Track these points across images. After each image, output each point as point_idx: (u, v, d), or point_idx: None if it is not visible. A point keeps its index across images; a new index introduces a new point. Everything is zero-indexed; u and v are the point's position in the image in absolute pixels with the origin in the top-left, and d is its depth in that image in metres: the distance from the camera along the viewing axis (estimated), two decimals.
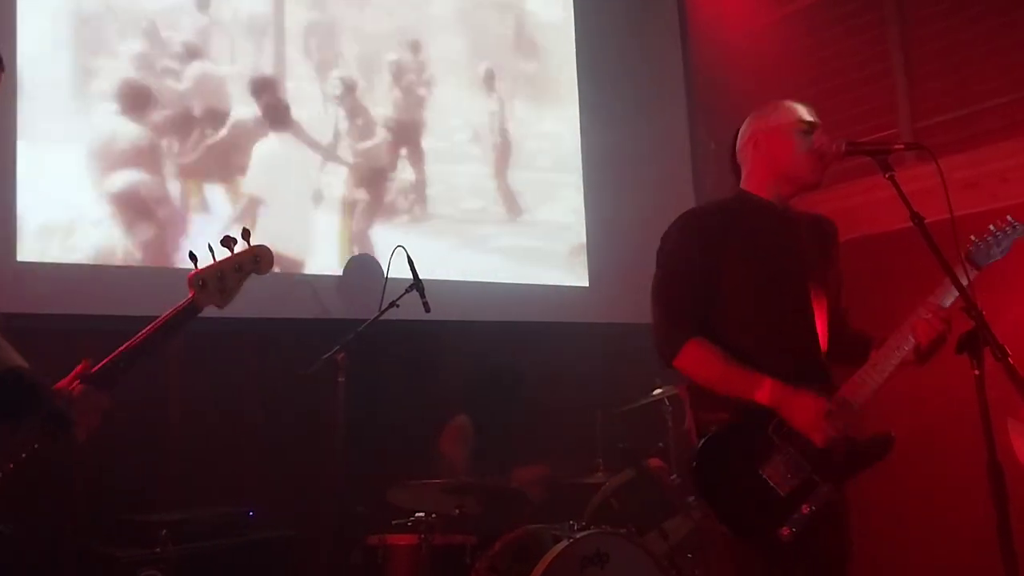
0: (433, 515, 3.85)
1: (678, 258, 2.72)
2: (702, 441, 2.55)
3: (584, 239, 5.69)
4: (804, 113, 2.77)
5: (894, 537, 4.73)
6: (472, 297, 5.09)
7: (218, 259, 2.14)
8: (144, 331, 2.08)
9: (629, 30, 6.09)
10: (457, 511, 3.84)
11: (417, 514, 3.86)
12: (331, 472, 3.84)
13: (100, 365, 2.04)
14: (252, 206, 4.57)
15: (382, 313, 4.00)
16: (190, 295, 2.11)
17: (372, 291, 4.17)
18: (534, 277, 5.46)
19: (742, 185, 2.83)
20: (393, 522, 3.92)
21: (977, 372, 2.27)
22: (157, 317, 2.13)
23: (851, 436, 2.53)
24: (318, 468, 4.12)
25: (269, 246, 2.27)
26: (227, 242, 2.14)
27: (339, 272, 4.77)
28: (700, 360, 2.60)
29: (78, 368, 2.06)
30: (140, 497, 3.98)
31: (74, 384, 2.03)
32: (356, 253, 4.83)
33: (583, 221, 5.71)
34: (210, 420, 4.30)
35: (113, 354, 2.05)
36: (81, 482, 3.84)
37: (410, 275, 4.10)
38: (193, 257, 2.13)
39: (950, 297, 2.52)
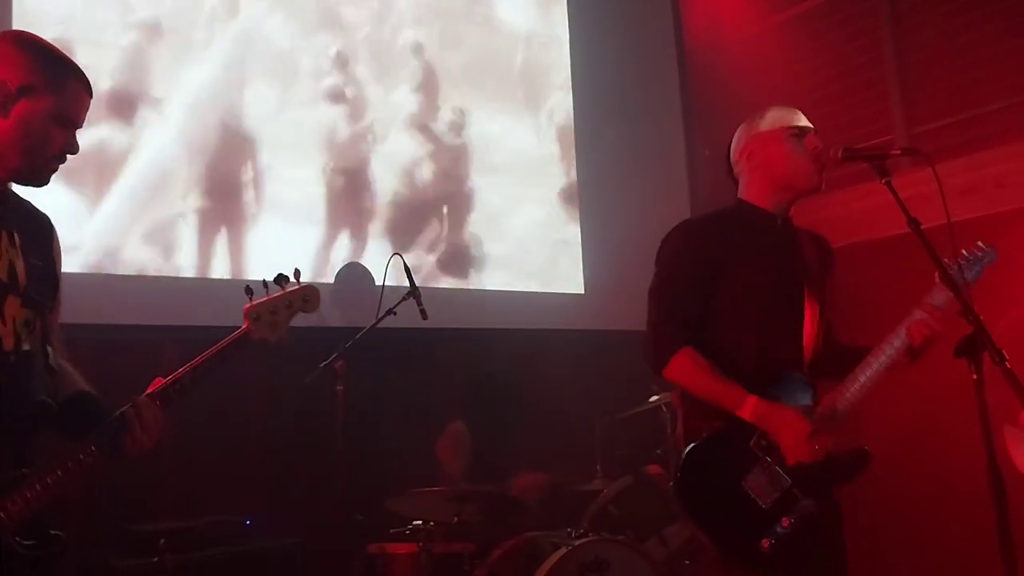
0: (432, 523, 3.84)
1: (679, 261, 2.72)
2: (687, 449, 2.54)
3: (579, 246, 5.69)
4: (793, 117, 2.76)
5: (893, 542, 4.72)
6: (468, 304, 5.09)
7: (272, 295, 2.26)
8: (199, 357, 2.18)
9: (624, 36, 6.10)
10: (456, 519, 3.83)
11: (416, 522, 3.86)
12: (330, 480, 3.83)
13: (160, 386, 2.16)
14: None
15: (379, 321, 3.99)
16: (245, 326, 2.23)
17: (365, 299, 4.16)
18: (529, 285, 5.46)
19: (740, 195, 2.82)
20: (391, 530, 3.91)
21: (976, 376, 2.27)
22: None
23: (830, 452, 2.52)
24: (317, 477, 4.12)
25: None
26: (280, 280, 2.27)
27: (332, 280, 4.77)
28: (688, 372, 2.59)
29: (151, 386, 2.17)
30: (138, 506, 3.97)
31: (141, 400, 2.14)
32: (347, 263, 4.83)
33: (578, 228, 5.71)
34: (208, 429, 4.28)
35: (171, 377, 2.16)
36: (79, 491, 3.83)
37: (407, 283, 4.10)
38: (248, 291, 2.24)
39: (943, 297, 2.53)
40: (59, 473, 1.99)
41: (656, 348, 2.64)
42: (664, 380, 2.67)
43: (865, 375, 2.58)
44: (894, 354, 2.58)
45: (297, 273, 2.30)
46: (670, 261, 2.74)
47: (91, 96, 2.19)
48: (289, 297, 2.28)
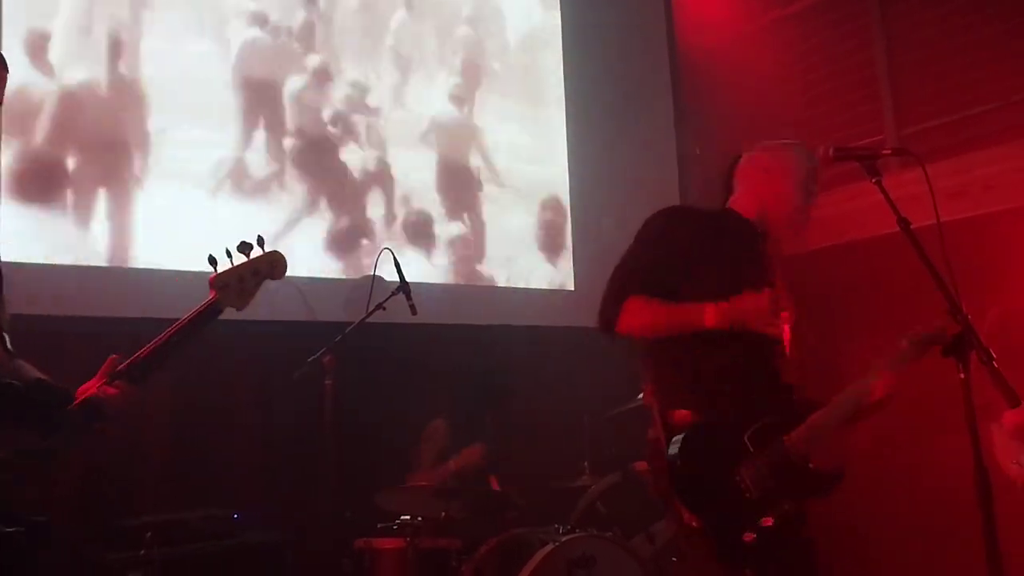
0: (419, 519, 3.85)
1: (655, 238, 2.73)
2: (683, 434, 2.53)
3: (570, 243, 5.70)
4: (819, 172, 2.79)
5: (879, 541, 4.74)
6: (458, 300, 5.09)
7: (236, 263, 2.20)
8: (169, 330, 2.13)
9: (616, 35, 6.11)
10: (443, 514, 3.83)
11: (403, 517, 3.86)
12: (318, 475, 3.82)
13: (128, 362, 2.10)
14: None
15: (369, 315, 3.98)
16: (211, 296, 2.17)
17: (357, 294, 4.15)
18: (519, 282, 5.46)
19: (731, 204, 2.84)
20: (379, 525, 3.91)
21: (963, 375, 2.28)
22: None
23: (815, 467, 2.55)
24: (305, 471, 4.11)
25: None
26: (243, 248, 2.20)
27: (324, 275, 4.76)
28: (640, 312, 2.58)
29: (105, 365, 2.10)
30: (126, 500, 3.96)
31: (104, 381, 2.08)
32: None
33: (569, 225, 5.72)
34: (197, 423, 4.28)
35: (140, 352, 2.11)
36: (66, 484, 3.81)
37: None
38: (212, 261, 2.18)
39: (906, 355, 2.54)
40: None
41: (606, 302, 2.63)
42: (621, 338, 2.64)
43: (823, 427, 2.57)
44: (858, 404, 2.57)
45: (260, 240, 2.24)
46: (647, 237, 2.75)
47: (7, 71, 2.14)
48: (255, 264, 2.23)
